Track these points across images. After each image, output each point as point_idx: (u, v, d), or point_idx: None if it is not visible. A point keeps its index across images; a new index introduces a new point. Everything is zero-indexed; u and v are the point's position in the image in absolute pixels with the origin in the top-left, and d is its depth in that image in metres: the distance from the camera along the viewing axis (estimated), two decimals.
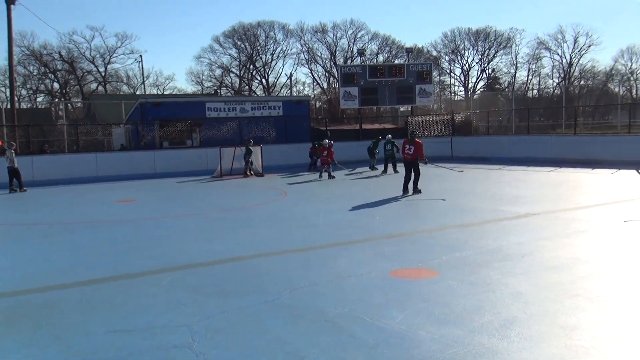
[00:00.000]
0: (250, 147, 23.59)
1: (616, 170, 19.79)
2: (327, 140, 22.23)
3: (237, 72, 70.41)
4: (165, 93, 66.57)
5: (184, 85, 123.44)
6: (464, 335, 4.95)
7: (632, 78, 70.28)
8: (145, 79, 63.89)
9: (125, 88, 66.39)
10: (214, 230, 11.09)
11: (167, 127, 28.54)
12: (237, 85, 70.09)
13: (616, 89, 64.04)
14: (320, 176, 21.41)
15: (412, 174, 15.09)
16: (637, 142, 23.21)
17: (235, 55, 68.94)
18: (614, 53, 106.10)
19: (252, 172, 23.69)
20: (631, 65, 71.61)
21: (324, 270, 7.46)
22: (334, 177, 21.13)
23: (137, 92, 60.61)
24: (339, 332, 5.16)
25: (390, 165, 22.73)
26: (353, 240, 9.42)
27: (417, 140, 15.27)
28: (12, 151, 19.78)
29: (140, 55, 63.84)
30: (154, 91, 67.51)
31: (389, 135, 24.03)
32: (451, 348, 4.67)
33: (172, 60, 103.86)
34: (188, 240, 9.98)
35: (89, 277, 7.48)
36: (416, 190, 15.14)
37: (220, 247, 9.30)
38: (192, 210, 14.23)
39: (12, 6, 28.02)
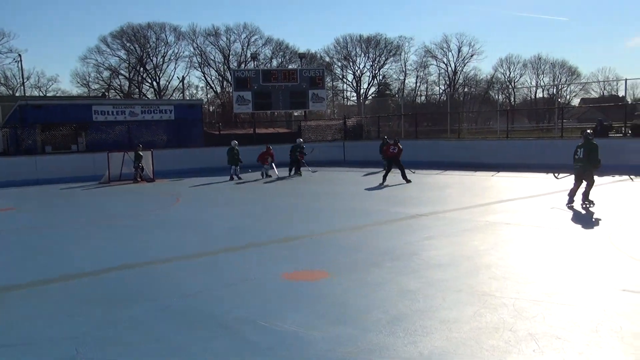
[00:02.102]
0: (139, 152, 22.92)
1: (496, 172, 21.07)
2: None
3: (127, 75, 68.09)
4: (48, 95, 63.07)
5: (68, 87, 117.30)
6: (356, 333, 5.12)
7: (510, 86, 75.05)
8: (25, 80, 60.18)
9: (2, 89, 62.32)
10: (102, 238, 10.70)
11: (50, 130, 27.12)
12: (126, 87, 67.75)
13: (496, 96, 68.16)
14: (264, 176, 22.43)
15: (395, 167, 18.67)
16: (515, 147, 24.85)
17: (124, 57, 66.71)
18: (494, 62, 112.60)
19: (142, 178, 23.03)
20: (509, 74, 76.55)
21: (218, 275, 7.44)
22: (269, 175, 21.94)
23: (17, 94, 57.06)
24: (234, 337, 5.18)
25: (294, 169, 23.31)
26: (248, 245, 9.45)
27: (399, 145, 18.96)
28: None
29: (20, 55, 59.80)
30: (35, 93, 63.83)
31: (300, 140, 24.43)
32: (344, 347, 4.82)
33: (56, 61, 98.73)
34: (74, 250, 9.59)
35: None
36: (407, 180, 18.59)
37: (110, 255, 9.00)
38: (78, 218, 13.62)
39: None
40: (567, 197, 12.33)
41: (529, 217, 11.18)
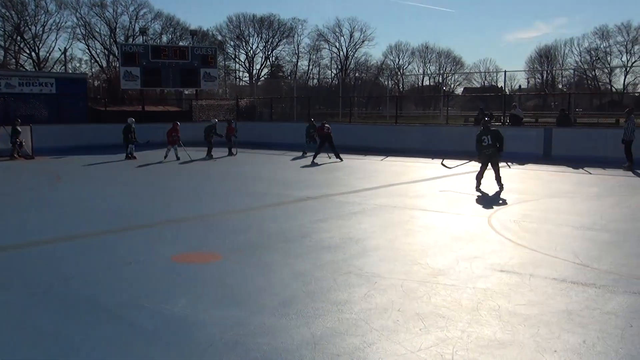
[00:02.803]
0: (17, 127, 21.39)
1: (385, 157, 21.67)
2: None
3: (2, 44, 63.16)
4: None
5: None
6: (246, 316, 5.06)
7: (399, 73, 77.34)
8: None
9: None
10: None
11: None
12: (1, 57, 62.89)
13: (386, 82, 70.03)
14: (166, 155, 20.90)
15: (328, 146, 20.31)
16: (403, 132, 25.67)
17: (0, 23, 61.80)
18: (384, 49, 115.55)
19: (20, 155, 21.53)
20: (398, 61, 78.79)
21: (101, 258, 7.09)
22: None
23: None
24: (118, 321, 4.97)
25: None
26: (132, 226, 9.10)
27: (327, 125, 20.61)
28: None
29: None
30: None
31: (216, 120, 23.59)
32: (235, 330, 4.74)
33: None
34: None
35: None
36: (340, 158, 20.35)
37: None
38: None
39: None
40: (476, 181, 12.95)
41: (416, 200, 11.59)
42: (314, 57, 76.70)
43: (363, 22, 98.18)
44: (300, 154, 22.53)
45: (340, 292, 5.72)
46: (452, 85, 76.43)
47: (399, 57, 78.65)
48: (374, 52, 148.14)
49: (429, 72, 79.25)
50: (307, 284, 5.99)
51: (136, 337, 4.64)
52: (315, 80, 75.38)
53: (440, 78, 76.69)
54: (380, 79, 75.27)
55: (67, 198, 12.31)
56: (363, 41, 76.39)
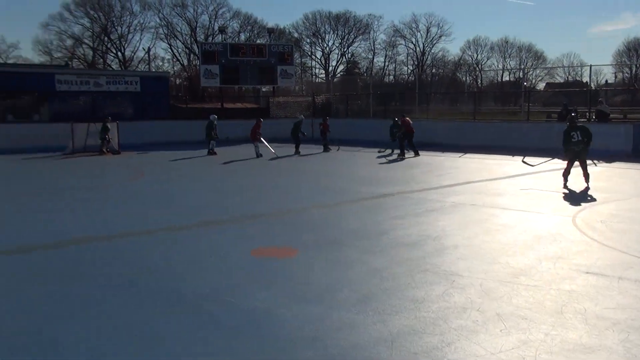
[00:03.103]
0: (107, 124, 22.43)
1: (463, 154, 21.25)
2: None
3: (91, 44, 66.17)
4: (8, 62, 60.98)
5: (30, 55, 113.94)
6: (324, 311, 5.11)
7: (477, 68, 75.61)
8: None
9: None
10: (63, 210, 10.47)
11: (11, 98, 26.27)
12: (90, 57, 65.91)
13: (464, 78, 68.64)
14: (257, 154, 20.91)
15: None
16: (482, 128, 25.09)
17: (88, 25, 64.62)
18: (462, 44, 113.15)
19: (108, 150, 22.56)
20: (477, 56, 77.02)
21: (184, 251, 7.33)
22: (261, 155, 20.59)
23: None
24: (200, 313, 5.12)
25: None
26: (214, 221, 9.35)
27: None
28: None
29: None
30: None
31: (302, 117, 23.97)
32: (312, 325, 4.80)
33: (16, 27, 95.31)
34: (33, 221, 9.36)
35: None
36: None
37: (71, 228, 8.81)
38: (38, 189, 13.29)
39: None
40: (563, 179, 12.59)
41: (495, 198, 11.31)
42: (390, 53, 76.21)
43: (440, 17, 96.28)
44: (384, 150, 22.49)
45: (418, 289, 5.67)
46: (534, 81, 73.90)
47: (477, 52, 76.96)
48: (451, 47, 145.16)
49: (508, 67, 77.08)
50: (385, 281, 5.97)
51: (217, 329, 4.77)
52: (392, 77, 74.87)
53: (521, 73, 74.17)
54: (457, 74, 73.79)
55: (151, 192, 12.79)
56: (440, 36, 75.23)
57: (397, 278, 6.07)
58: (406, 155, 19.99)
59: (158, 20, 66.30)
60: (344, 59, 76.07)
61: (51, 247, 7.59)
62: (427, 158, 19.92)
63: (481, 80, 75.55)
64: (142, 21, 66.22)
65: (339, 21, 73.41)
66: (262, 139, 21.15)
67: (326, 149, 23.11)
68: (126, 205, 11.05)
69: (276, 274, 6.30)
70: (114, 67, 64.39)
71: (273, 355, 4.27)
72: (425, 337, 4.51)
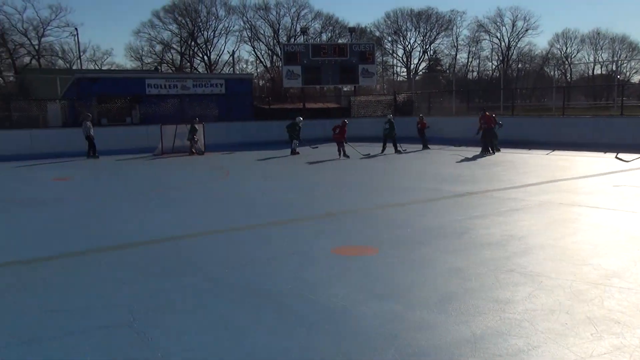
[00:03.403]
0: (195, 125, 23.18)
1: (550, 151, 20.48)
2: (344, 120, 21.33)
3: (178, 49, 68.73)
4: (103, 69, 64.28)
5: (122, 60, 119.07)
6: (404, 310, 5.05)
7: (566, 62, 72.63)
8: (81, 54, 61.17)
9: (60, 62, 63.72)
10: (153, 209, 10.90)
11: (105, 103, 27.67)
12: (178, 62, 68.47)
13: (552, 73, 66.08)
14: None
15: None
16: (571, 124, 24.08)
17: (176, 31, 67.18)
18: (550, 37, 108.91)
19: (195, 151, 23.32)
20: (566, 49, 74.01)
21: (265, 248, 7.45)
22: (348, 156, 20.16)
23: (74, 67, 58.22)
24: (281, 309, 5.18)
25: (390, 145, 22.16)
26: (294, 219, 9.45)
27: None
28: (88, 122, 22.35)
29: (76, 29, 60.57)
30: (91, 66, 65.01)
31: (390, 115, 23.97)
32: (391, 323, 4.76)
33: (110, 35, 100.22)
34: (126, 219, 9.80)
35: (23, 257, 7.23)
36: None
37: (161, 226, 9.16)
38: (131, 189, 13.94)
39: None
40: None
41: (585, 197, 10.81)
42: (474, 49, 74.48)
43: (526, 11, 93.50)
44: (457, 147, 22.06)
45: (502, 290, 5.50)
46: (628, 73, 70.20)
47: (566, 45, 73.98)
48: (539, 41, 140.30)
49: (600, 59, 73.61)
50: (467, 281, 5.84)
51: (298, 325, 4.81)
52: (475, 73, 73.10)
53: (614, 66, 70.72)
54: (545, 69, 71.12)
55: (235, 191, 13.11)
56: (526, 30, 72.82)
57: (479, 278, 5.91)
58: (487, 153, 19.49)
59: (242, 23, 68.11)
60: (426, 57, 75.10)
61: (144, 244, 7.91)
62: (512, 155, 19.34)
63: (570, 75, 72.51)
64: (226, 25, 68.24)
65: (421, 18, 72.49)
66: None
67: (425, 147, 23.17)
68: (212, 204, 11.37)
69: (356, 272, 6.29)
70: (200, 70, 66.70)
71: (353, 352, 4.26)
72: (510, 340, 4.36)
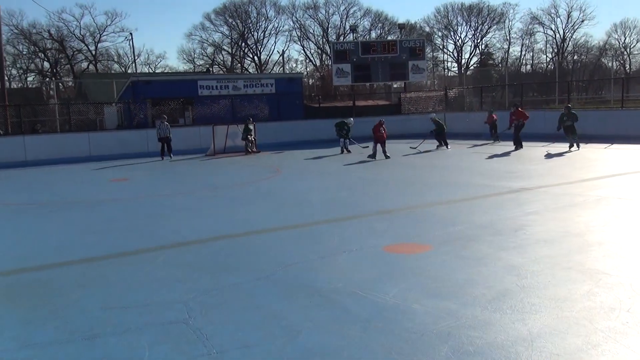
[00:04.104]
0: (249, 125, 23.41)
1: (609, 144, 19.84)
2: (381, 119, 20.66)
3: (229, 50, 69.71)
4: (156, 72, 65.76)
5: (175, 63, 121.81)
6: (457, 308, 4.99)
7: (625, 52, 70.15)
8: (136, 58, 63.04)
9: (116, 67, 65.69)
10: (207, 208, 11.09)
11: (159, 105, 28.29)
12: (229, 63, 69.46)
13: (609, 64, 63.95)
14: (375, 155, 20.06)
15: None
16: (630, 117, 23.26)
17: (227, 32, 68.17)
18: (608, 28, 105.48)
19: (250, 149, 23.50)
20: (624, 39, 71.44)
21: (317, 246, 7.49)
22: (388, 156, 19.44)
23: (129, 71, 59.80)
24: (333, 307, 5.20)
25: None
26: (345, 217, 9.45)
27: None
28: (166, 123, 22.65)
29: (131, 34, 62.66)
30: (145, 70, 66.54)
31: (434, 115, 23.81)
32: (444, 321, 4.71)
33: (163, 39, 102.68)
34: (182, 218, 10.00)
35: (84, 256, 7.49)
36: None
37: (214, 224, 9.32)
38: (185, 189, 14.22)
39: None
40: None
41: None
42: (527, 42, 72.57)
43: (582, 1, 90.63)
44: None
45: (559, 288, 5.37)
46: None
47: (625, 35, 71.28)
48: (595, 31, 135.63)
49: None
50: (522, 278, 5.72)
51: (350, 323, 4.81)
52: (529, 66, 71.39)
53: None
54: (602, 60, 68.87)
55: (286, 189, 13.20)
56: (582, 21, 70.49)
57: (535, 275, 5.78)
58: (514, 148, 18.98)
59: (291, 23, 68.59)
60: (477, 51, 73.70)
61: (199, 242, 8.05)
62: (566, 150, 18.81)
63: (630, 65, 69.98)
64: (276, 25, 68.79)
65: (472, 12, 71.11)
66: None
67: (496, 139, 23.16)
68: (264, 202, 11.48)
69: (408, 270, 6.25)
70: (250, 71, 67.45)
71: (406, 350, 4.24)
72: (568, 338, 4.26)
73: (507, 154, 18.81)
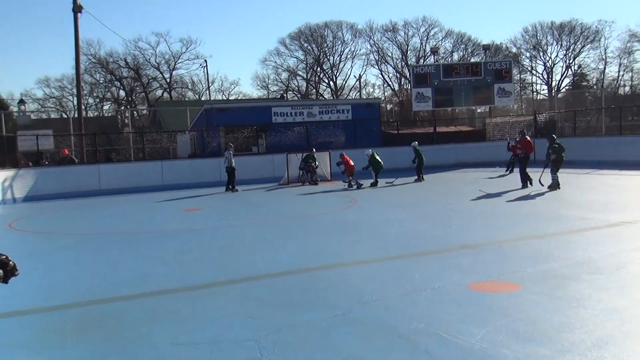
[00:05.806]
0: (313, 155, 23.15)
1: None
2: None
3: (304, 75, 69.77)
4: (230, 98, 66.49)
5: (249, 90, 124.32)
6: (552, 355, 4.55)
7: None
8: (210, 85, 63.75)
9: (190, 94, 67.00)
10: (280, 239, 10.93)
11: (232, 133, 28.43)
12: (303, 88, 69.60)
13: None
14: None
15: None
16: None
17: (302, 57, 68.15)
18: None
19: (313, 180, 23.00)
20: None
21: (397, 282, 7.10)
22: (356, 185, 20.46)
23: (202, 98, 60.73)
24: (414, 349, 4.86)
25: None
26: (427, 251, 9.02)
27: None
28: (231, 152, 21.44)
29: (205, 60, 62.83)
30: (219, 96, 67.64)
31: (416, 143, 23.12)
32: None
33: (237, 65, 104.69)
34: (254, 250, 9.85)
35: (155, 288, 7.45)
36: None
37: (287, 257, 9.13)
38: (258, 219, 14.14)
39: (79, 15, 27.82)
40: None
41: None
42: (625, 61, 68.66)
43: None
44: None
45: None
46: None
47: None
48: None
49: None
50: (626, 323, 5.17)
51: None
52: (627, 88, 67.59)
53: None
54: None
55: (364, 221, 12.84)
56: None
57: None
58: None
59: (369, 46, 68.11)
60: (570, 72, 70.57)
61: (271, 276, 7.85)
62: None
63: None
64: (353, 49, 68.48)
65: (564, 31, 67.92)
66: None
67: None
68: (340, 234, 11.18)
69: (496, 310, 5.78)
70: (326, 96, 67.46)
71: None
72: None
73: (602, 183, 17.72)
